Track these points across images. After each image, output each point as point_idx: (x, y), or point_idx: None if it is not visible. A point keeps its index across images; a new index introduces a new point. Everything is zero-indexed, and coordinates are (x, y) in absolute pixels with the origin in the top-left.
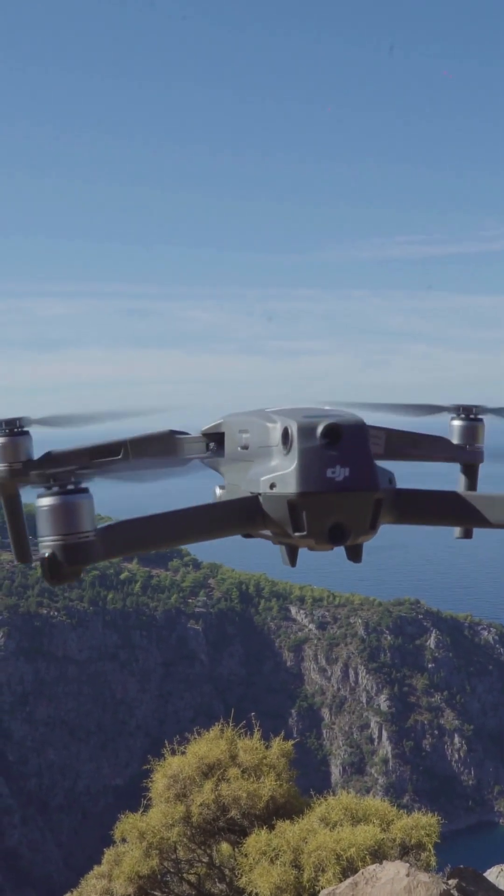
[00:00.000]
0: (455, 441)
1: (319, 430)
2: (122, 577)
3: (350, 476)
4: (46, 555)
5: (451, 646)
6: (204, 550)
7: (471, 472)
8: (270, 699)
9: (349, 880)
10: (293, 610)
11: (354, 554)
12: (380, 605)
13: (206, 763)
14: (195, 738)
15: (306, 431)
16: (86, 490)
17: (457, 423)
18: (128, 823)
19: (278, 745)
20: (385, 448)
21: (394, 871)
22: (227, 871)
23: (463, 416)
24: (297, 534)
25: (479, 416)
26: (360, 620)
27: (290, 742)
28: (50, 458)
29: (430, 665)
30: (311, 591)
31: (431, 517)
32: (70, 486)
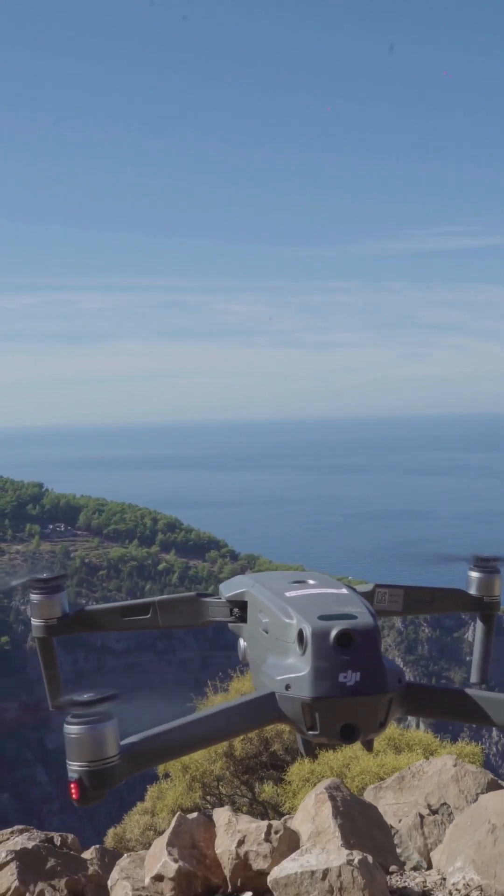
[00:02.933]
0: (472, 592)
1: (332, 635)
2: (160, 567)
3: (361, 681)
4: (73, 779)
5: None
6: (241, 541)
7: (488, 621)
8: None
9: (396, 774)
10: None
11: (367, 745)
12: None
13: None
14: (238, 677)
15: (320, 636)
16: (110, 717)
17: (474, 574)
18: None
19: None
20: (403, 606)
21: (440, 764)
22: (269, 810)
23: (480, 567)
24: (310, 732)
25: (497, 568)
26: None
27: None
28: (83, 614)
29: (468, 658)
30: (349, 583)
31: (438, 713)
32: (95, 717)
